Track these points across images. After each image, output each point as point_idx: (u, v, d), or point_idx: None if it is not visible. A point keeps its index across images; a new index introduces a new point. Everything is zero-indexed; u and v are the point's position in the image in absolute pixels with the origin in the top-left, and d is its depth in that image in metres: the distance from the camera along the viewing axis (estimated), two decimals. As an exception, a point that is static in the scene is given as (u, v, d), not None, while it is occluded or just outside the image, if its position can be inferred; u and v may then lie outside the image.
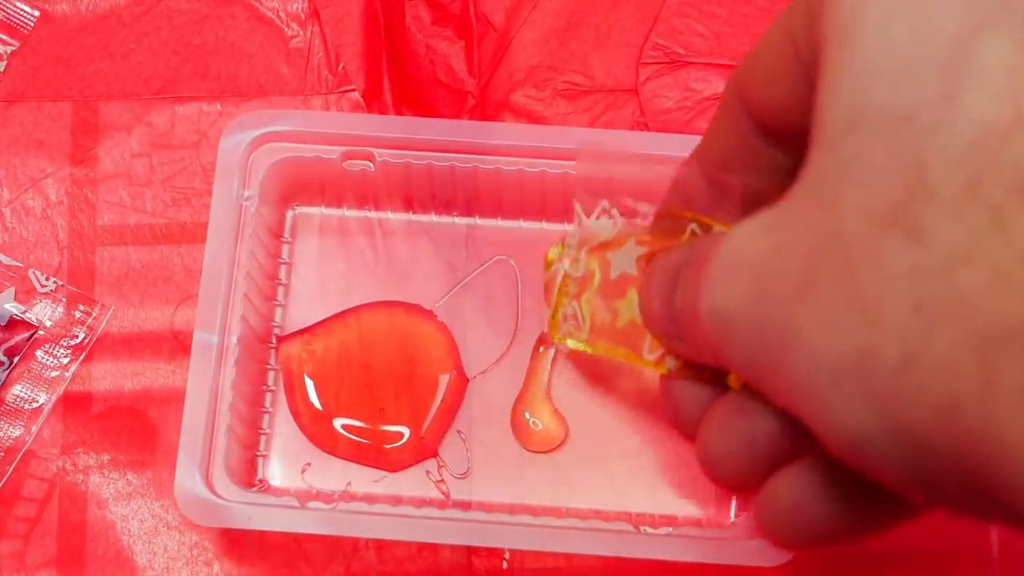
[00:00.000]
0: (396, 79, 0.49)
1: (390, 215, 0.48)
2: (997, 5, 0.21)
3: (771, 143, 0.29)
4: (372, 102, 0.49)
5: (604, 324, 0.34)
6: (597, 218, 0.36)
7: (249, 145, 0.45)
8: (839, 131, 0.22)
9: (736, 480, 0.29)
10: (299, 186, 0.47)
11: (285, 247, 0.47)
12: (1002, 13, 0.21)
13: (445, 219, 0.48)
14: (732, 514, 0.45)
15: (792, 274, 0.23)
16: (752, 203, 0.30)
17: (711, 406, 0.29)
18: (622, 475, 0.45)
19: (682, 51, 0.49)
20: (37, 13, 0.50)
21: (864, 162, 0.22)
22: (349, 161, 0.45)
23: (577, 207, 0.35)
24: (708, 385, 0.30)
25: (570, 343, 0.35)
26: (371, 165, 0.45)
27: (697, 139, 0.44)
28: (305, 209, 0.48)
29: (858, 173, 0.22)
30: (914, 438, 0.21)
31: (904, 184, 0.21)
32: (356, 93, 0.49)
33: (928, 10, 0.22)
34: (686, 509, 0.45)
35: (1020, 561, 0.45)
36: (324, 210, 0.48)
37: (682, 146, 0.44)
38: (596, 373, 0.46)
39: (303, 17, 0.50)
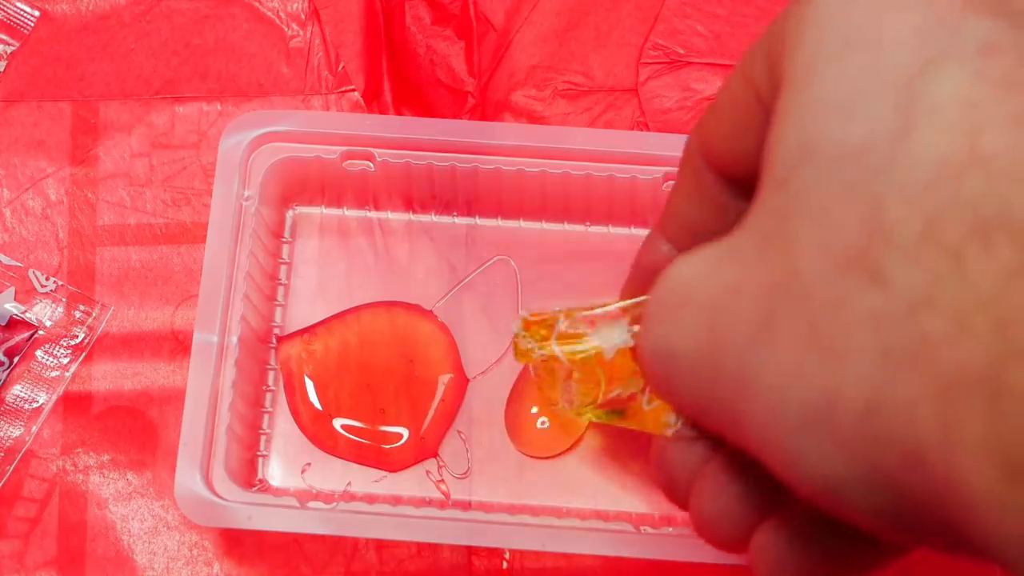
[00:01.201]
0: (396, 79, 0.49)
1: (390, 215, 0.48)
2: (950, 37, 0.21)
3: (740, 197, 0.28)
4: (372, 102, 0.49)
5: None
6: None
7: (249, 145, 0.45)
8: (789, 166, 0.22)
9: (734, 541, 0.28)
10: (299, 186, 0.47)
11: (285, 247, 0.47)
12: (955, 45, 0.21)
13: (445, 219, 0.48)
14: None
15: (747, 316, 0.22)
16: None
17: (703, 468, 0.28)
18: (622, 475, 0.45)
19: (682, 51, 0.49)
20: (37, 13, 0.50)
21: (817, 199, 0.21)
22: (349, 161, 0.45)
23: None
24: (703, 445, 0.30)
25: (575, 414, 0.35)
26: (371, 165, 0.45)
27: None
28: (305, 209, 0.48)
29: (811, 210, 0.21)
30: (885, 483, 0.20)
31: (861, 224, 0.20)
32: (356, 93, 0.49)
33: (881, 45, 0.21)
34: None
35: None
36: (324, 210, 0.48)
37: (682, 146, 0.44)
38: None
39: (303, 17, 0.50)
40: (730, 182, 0.28)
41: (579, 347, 0.33)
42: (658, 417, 0.32)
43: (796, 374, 0.21)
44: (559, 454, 0.45)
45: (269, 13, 0.50)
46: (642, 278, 0.32)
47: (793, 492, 0.22)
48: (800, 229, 0.21)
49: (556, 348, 0.33)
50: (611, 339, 0.32)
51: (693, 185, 0.29)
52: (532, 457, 0.45)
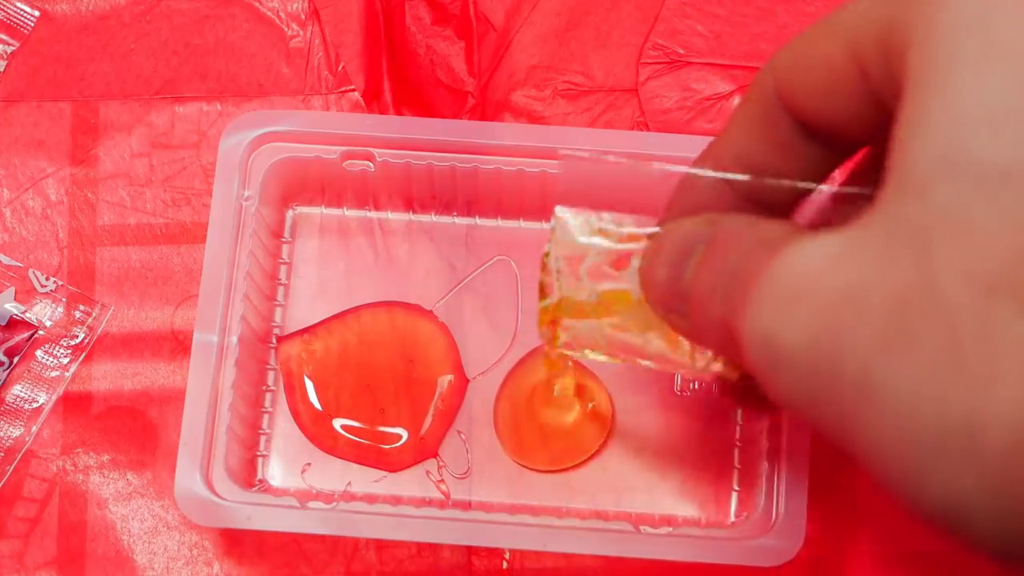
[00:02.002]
0: (396, 79, 0.49)
1: (390, 215, 0.48)
2: None
3: (812, 140, 0.28)
4: (372, 102, 0.49)
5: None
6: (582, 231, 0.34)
7: (249, 145, 0.45)
8: (927, 178, 0.21)
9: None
10: (299, 186, 0.47)
11: (285, 247, 0.47)
12: None
13: (445, 219, 0.48)
14: (732, 514, 0.45)
15: (873, 321, 0.21)
16: (773, 205, 0.30)
17: None
18: (622, 475, 0.45)
19: (682, 51, 0.49)
20: (37, 13, 0.50)
21: (960, 216, 0.21)
22: (349, 161, 0.45)
23: (560, 217, 0.33)
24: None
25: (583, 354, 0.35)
26: (371, 165, 0.45)
27: (698, 139, 0.44)
28: (305, 209, 0.48)
29: (953, 227, 0.21)
30: None
31: (1010, 246, 0.20)
32: (356, 93, 0.49)
33: None
34: (686, 509, 0.45)
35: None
36: (324, 210, 0.48)
37: (683, 146, 0.44)
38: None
39: (303, 17, 0.50)
40: (804, 126, 0.28)
41: (609, 286, 0.33)
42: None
43: (935, 393, 0.20)
44: (562, 469, 0.45)
45: (269, 13, 0.50)
46: (687, 196, 0.31)
47: (907, 504, 0.22)
48: (940, 244, 0.21)
49: (587, 283, 0.33)
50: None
51: (759, 120, 0.29)
52: (531, 470, 0.45)
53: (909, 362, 0.21)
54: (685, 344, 0.32)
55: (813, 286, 0.23)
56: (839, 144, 0.28)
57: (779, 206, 0.30)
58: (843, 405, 0.22)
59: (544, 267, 0.34)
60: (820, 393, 0.23)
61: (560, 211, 0.33)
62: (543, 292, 0.34)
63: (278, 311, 0.47)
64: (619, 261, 0.33)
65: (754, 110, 0.29)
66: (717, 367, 0.32)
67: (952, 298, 0.20)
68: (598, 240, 0.33)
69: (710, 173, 0.30)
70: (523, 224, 0.47)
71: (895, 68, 0.24)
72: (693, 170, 0.31)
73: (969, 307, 0.20)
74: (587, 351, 0.35)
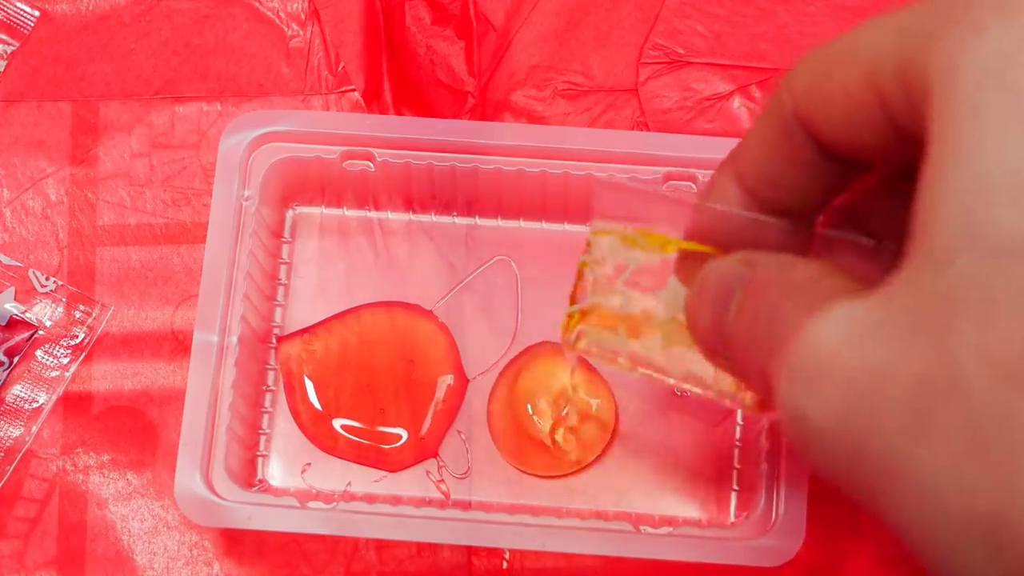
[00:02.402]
0: (396, 79, 0.49)
1: (390, 215, 0.48)
2: None
3: (831, 159, 0.28)
4: (372, 102, 0.49)
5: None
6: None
7: (249, 145, 0.45)
8: (948, 247, 0.21)
9: None
10: (299, 186, 0.47)
11: (285, 247, 0.47)
12: None
13: (445, 219, 0.48)
14: (732, 514, 0.45)
15: (897, 405, 0.21)
16: (798, 213, 0.30)
17: None
18: (622, 475, 0.45)
19: (682, 51, 0.49)
20: (37, 13, 0.50)
21: (981, 291, 0.20)
22: (349, 161, 0.45)
23: (597, 230, 0.34)
24: None
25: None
26: (371, 165, 0.45)
27: (698, 139, 0.44)
28: (305, 209, 0.48)
29: (975, 303, 0.20)
30: None
31: None
32: (356, 93, 0.49)
33: None
34: (686, 510, 0.45)
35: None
36: (324, 210, 0.48)
37: (683, 146, 0.44)
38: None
39: (303, 17, 0.50)
40: (825, 149, 0.27)
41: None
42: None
43: (959, 483, 0.20)
44: (561, 476, 0.46)
45: (269, 13, 0.50)
46: (707, 222, 0.31)
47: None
48: (961, 322, 0.20)
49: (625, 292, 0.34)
50: (674, 304, 0.32)
51: (779, 140, 0.28)
52: (529, 474, 0.45)
53: (932, 450, 0.21)
54: (710, 369, 0.32)
55: (838, 363, 0.23)
56: (860, 163, 0.28)
57: (803, 214, 0.30)
58: (872, 483, 0.22)
59: (580, 275, 0.34)
60: (850, 470, 0.23)
61: (597, 224, 0.34)
62: (573, 298, 0.34)
63: (278, 311, 0.47)
64: (654, 277, 0.33)
65: (772, 127, 0.29)
66: (744, 397, 0.33)
67: (973, 384, 0.20)
68: (636, 253, 0.33)
69: (742, 212, 0.30)
70: (523, 224, 0.47)
71: (916, 106, 0.23)
72: (717, 205, 0.31)
73: (989, 394, 0.20)
74: (606, 362, 0.35)
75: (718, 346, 0.29)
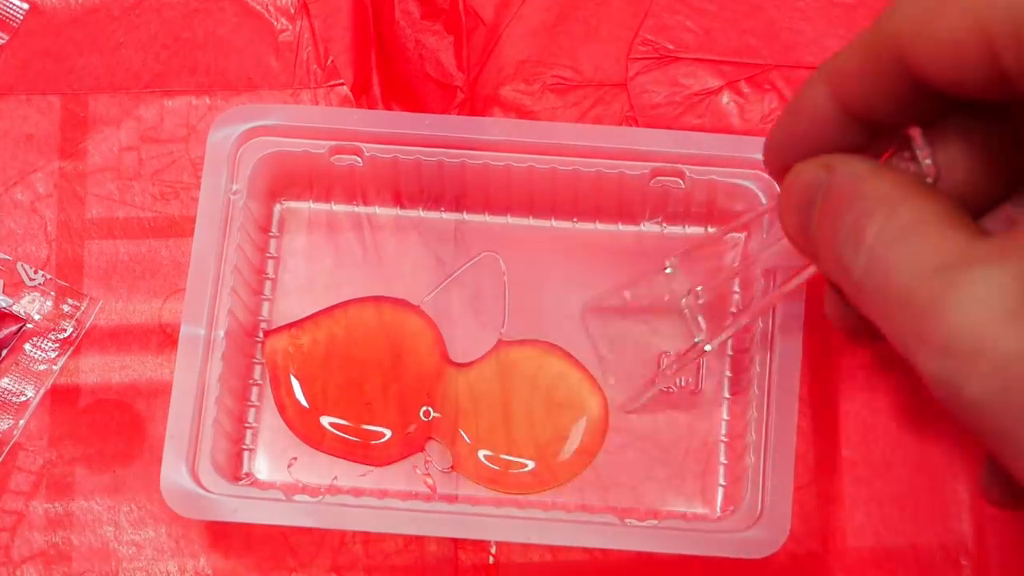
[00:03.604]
0: (385, 73, 0.49)
1: (378, 210, 0.48)
2: None
3: (928, 91, 0.28)
4: (361, 96, 0.49)
5: None
6: None
7: (237, 139, 0.45)
8: None
9: None
10: (287, 180, 0.47)
11: (273, 241, 0.47)
12: None
13: (433, 214, 0.48)
14: (718, 508, 0.45)
15: None
16: (882, 123, 0.30)
17: None
18: (608, 469, 0.45)
19: (671, 46, 0.49)
20: (26, 6, 0.50)
21: None
22: (337, 156, 0.45)
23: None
24: None
25: None
26: (359, 160, 0.45)
27: (687, 135, 0.45)
28: (293, 203, 0.48)
29: None
30: None
31: None
32: (345, 87, 0.49)
33: None
34: (672, 504, 0.45)
35: (999, 560, 0.45)
36: (312, 204, 0.48)
37: (671, 142, 0.44)
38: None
39: (292, 11, 0.50)
40: (924, 83, 0.28)
41: None
42: None
43: None
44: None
45: (258, 7, 0.50)
46: (795, 123, 0.32)
47: None
48: None
49: None
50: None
51: (877, 66, 0.29)
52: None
53: None
54: None
55: (992, 341, 0.23)
56: (959, 99, 0.28)
57: (886, 126, 0.30)
58: (1020, 457, 0.23)
59: None
60: (1000, 440, 0.24)
61: None
62: None
63: (265, 305, 0.47)
64: None
65: (871, 52, 0.29)
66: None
67: None
68: None
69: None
70: (511, 220, 0.47)
71: None
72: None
73: None
74: None
75: (807, 248, 0.30)
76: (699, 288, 0.41)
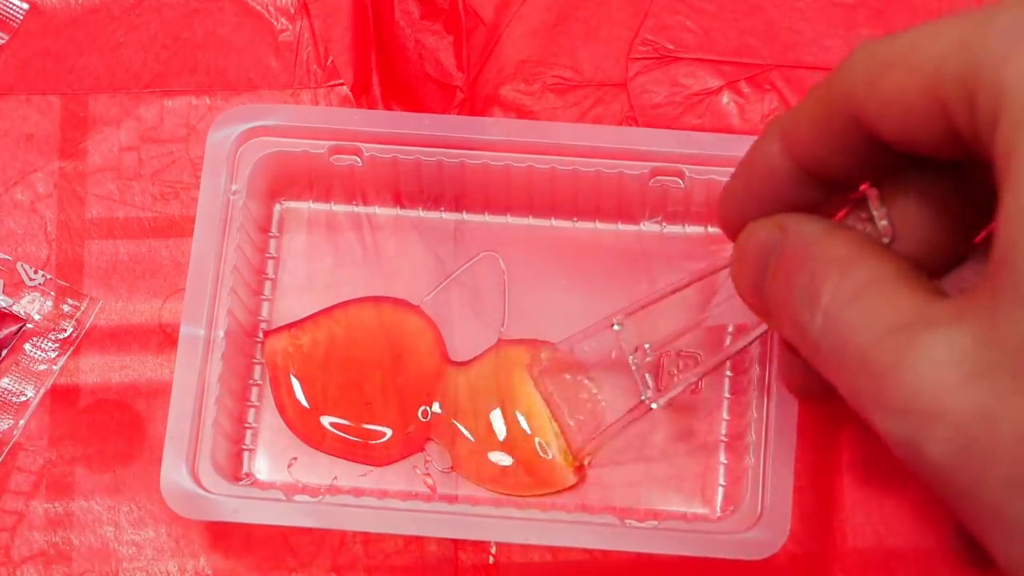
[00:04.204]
0: (385, 73, 0.49)
1: (377, 210, 0.48)
2: None
3: (885, 153, 0.28)
4: (361, 96, 0.49)
5: None
6: None
7: (236, 139, 0.45)
8: None
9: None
10: (286, 180, 0.47)
11: (272, 242, 0.47)
12: None
13: (433, 214, 0.47)
14: (718, 508, 0.45)
15: (1006, 458, 0.22)
16: (834, 181, 0.30)
17: None
18: (608, 470, 0.45)
19: (671, 46, 0.49)
20: (26, 6, 0.50)
21: None
22: (337, 156, 0.45)
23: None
24: None
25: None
26: (359, 160, 0.45)
27: (685, 134, 0.45)
28: (292, 203, 0.48)
29: None
30: None
31: None
32: (345, 87, 0.49)
33: None
34: (672, 504, 0.45)
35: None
36: (312, 205, 0.48)
37: (669, 141, 0.44)
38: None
39: (292, 11, 0.50)
40: (877, 139, 0.27)
41: None
42: None
43: None
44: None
45: (258, 7, 0.50)
46: (749, 179, 0.32)
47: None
48: None
49: None
50: None
51: (830, 123, 0.28)
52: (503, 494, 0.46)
53: None
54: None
55: (950, 403, 0.23)
56: (911, 155, 0.28)
57: (842, 183, 0.30)
58: (981, 516, 0.23)
59: None
60: (961, 501, 0.23)
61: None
62: None
63: (265, 305, 0.47)
64: None
65: (823, 109, 0.29)
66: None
67: None
68: None
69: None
70: (510, 219, 0.47)
71: (982, 123, 0.24)
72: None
73: None
74: None
75: (761, 307, 0.30)
76: (647, 345, 0.41)
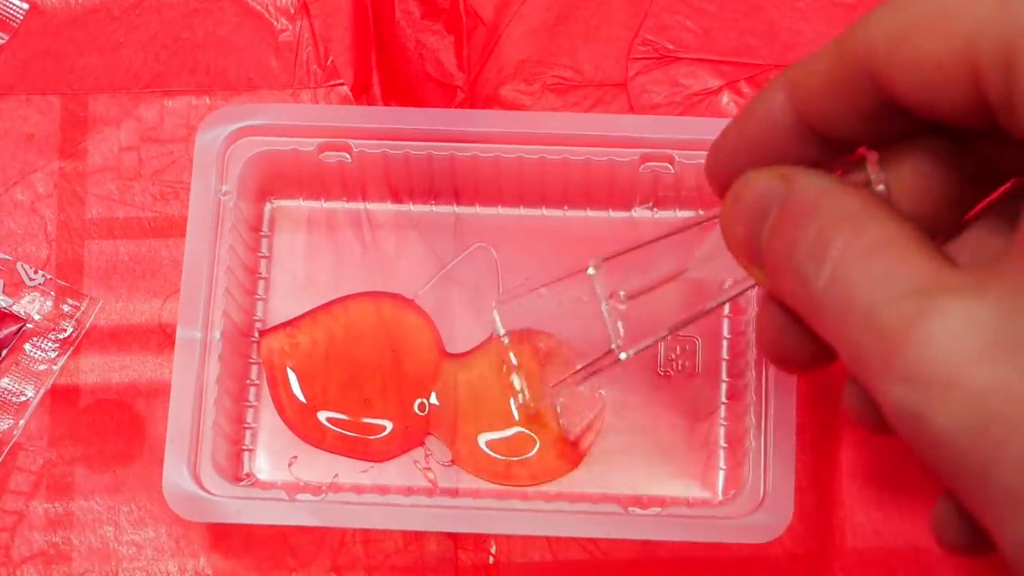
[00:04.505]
0: (385, 73, 0.49)
1: (369, 206, 0.47)
2: None
3: (896, 110, 0.27)
4: (361, 96, 0.49)
5: None
6: None
7: (225, 140, 0.45)
8: None
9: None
10: (277, 179, 0.46)
11: (264, 241, 0.47)
12: None
13: (425, 208, 0.47)
14: (720, 493, 0.44)
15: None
16: (837, 141, 0.29)
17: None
18: (607, 457, 0.45)
19: (671, 46, 0.49)
20: (26, 6, 0.50)
21: None
22: (326, 153, 0.45)
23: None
24: None
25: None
26: (348, 156, 0.45)
27: (673, 120, 0.45)
28: (284, 202, 0.48)
29: None
30: None
31: None
32: (345, 87, 0.49)
33: None
34: (673, 489, 0.45)
35: (999, 560, 0.45)
36: (303, 203, 0.48)
37: (658, 127, 0.44)
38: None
39: (292, 11, 0.50)
40: (894, 103, 0.26)
41: None
42: None
43: None
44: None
45: (258, 7, 0.50)
46: (746, 130, 0.31)
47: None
48: None
49: None
50: None
51: (845, 82, 0.27)
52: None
53: None
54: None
55: (966, 374, 0.22)
56: (925, 119, 0.27)
57: (843, 143, 0.29)
58: (988, 495, 0.22)
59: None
60: (968, 478, 0.23)
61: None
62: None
63: (259, 305, 0.47)
64: None
65: (839, 67, 0.27)
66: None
67: None
68: None
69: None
70: (501, 211, 0.47)
71: (1019, 96, 0.23)
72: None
73: None
74: None
75: (751, 259, 0.29)
76: (622, 293, 0.39)
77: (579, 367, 0.41)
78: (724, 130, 0.32)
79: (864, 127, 0.28)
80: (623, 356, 0.38)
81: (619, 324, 0.38)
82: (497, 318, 0.42)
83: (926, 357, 0.23)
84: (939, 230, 0.29)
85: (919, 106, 0.26)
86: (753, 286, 0.35)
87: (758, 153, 0.30)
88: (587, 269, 0.39)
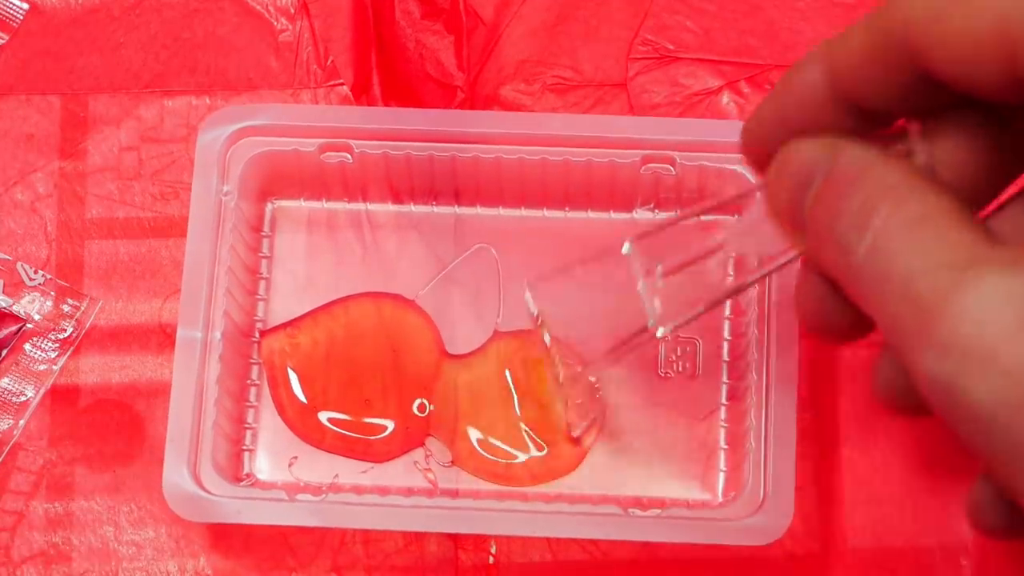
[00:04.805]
0: (385, 73, 0.49)
1: (370, 207, 0.47)
2: None
3: (933, 84, 0.27)
4: (361, 96, 0.49)
5: None
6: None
7: (226, 140, 0.45)
8: None
9: None
10: (277, 179, 0.46)
11: (265, 241, 0.47)
12: None
13: (426, 208, 0.47)
14: (720, 495, 0.44)
15: None
16: (877, 113, 0.29)
17: None
18: (607, 459, 0.45)
19: (671, 46, 0.49)
20: (26, 6, 0.50)
21: None
22: (327, 153, 0.45)
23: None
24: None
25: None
26: (349, 157, 0.45)
27: (673, 121, 0.45)
28: (284, 202, 0.48)
29: None
30: None
31: None
32: (345, 87, 0.49)
33: None
34: (673, 491, 0.45)
35: (999, 560, 0.45)
36: (304, 203, 0.48)
37: (659, 128, 0.45)
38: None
39: (292, 11, 0.50)
40: (931, 77, 0.26)
41: None
42: None
43: None
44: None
45: (258, 7, 0.50)
46: (783, 103, 0.31)
47: None
48: None
49: None
50: None
51: (882, 54, 0.27)
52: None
53: None
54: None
55: (1005, 348, 0.22)
56: (961, 93, 0.27)
57: (879, 115, 0.29)
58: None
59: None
60: (1007, 454, 0.23)
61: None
62: None
63: (260, 305, 0.47)
64: None
65: (877, 40, 0.27)
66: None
67: None
68: None
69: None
70: (502, 211, 0.47)
71: None
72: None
73: None
74: None
75: (794, 226, 0.29)
76: (659, 268, 0.38)
77: (615, 344, 0.41)
78: (760, 105, 0.32)
79: (901, 100, 0.28)
80: (660, 332, 0.38)
81: (656, 300, 0.38)
82: (529, 298, 0.41)
83: (965, 327, 0.23)
84: (979, 202, 0.29)
85: (956, 80, 0.26)
86: (790, 260, 0.35)
87: (794, 126, 0.30)
88: (622, 248, 0.38)
